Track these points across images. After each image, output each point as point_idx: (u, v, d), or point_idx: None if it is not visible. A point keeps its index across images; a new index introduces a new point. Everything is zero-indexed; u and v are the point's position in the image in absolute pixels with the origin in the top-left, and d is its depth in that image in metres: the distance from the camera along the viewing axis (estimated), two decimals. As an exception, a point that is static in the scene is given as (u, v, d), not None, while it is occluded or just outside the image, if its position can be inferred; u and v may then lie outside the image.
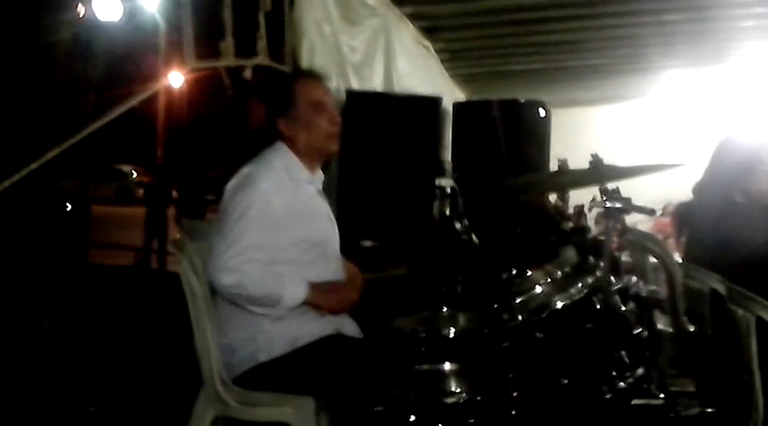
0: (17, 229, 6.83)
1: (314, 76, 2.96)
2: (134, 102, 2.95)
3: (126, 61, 15.10)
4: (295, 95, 2.82)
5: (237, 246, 2.54)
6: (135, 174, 27.04)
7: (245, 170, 2.74)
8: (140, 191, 21.50)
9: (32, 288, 5.95)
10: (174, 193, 13.62)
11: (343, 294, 2.81)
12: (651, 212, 2.65)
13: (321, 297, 2.71)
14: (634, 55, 7.57)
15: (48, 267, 6.90)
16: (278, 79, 3.63)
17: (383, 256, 4.04)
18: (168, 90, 24.08)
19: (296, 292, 2.63)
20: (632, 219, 3.31)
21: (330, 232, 2.92)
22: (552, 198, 5.05)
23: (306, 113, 2.80)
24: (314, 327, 2.70)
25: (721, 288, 2.74)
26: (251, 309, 2.63)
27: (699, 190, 3.76)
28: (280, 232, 2.64)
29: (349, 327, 2.84)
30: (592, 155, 2.72)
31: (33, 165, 2.37)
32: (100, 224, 13.15)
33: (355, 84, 4.98)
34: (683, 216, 3.91)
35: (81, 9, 8.39)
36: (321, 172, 2.97)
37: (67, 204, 10.39)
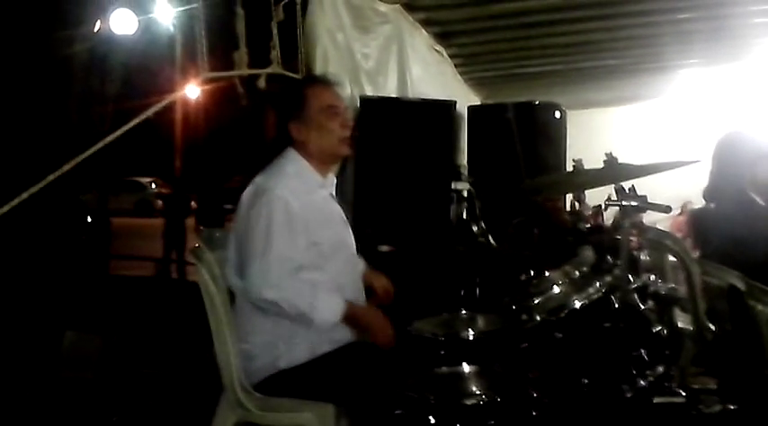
0: (39, 242, 6.90)
1: (325, 82, 2.98)
2: (148, 113, 2.98)
3: (142, 74, 15.21)
4: (306, 100, 2.84)
5: (272, 259, 2.55)
6: (154, 186, 27.19)
7: (259, 179, 2.77)
8: (159, 203, 21.64)
9: (55, 299, 6.00)
10: (193, 204, 13.72)
11: (380, 322, 2.74)
12: (666, 209, 2.64)
13: (356, 319, 2.71)
14: (649, 54, 7.52)
15: (70, 278, 6.96)
16: (289, 85, 3.66)
17: (401, 261, 4.05)
18: (185, 102, 24.27)
19: (331, 308, 2.63)
20: (651, 218, 3.30)
21: (345, 235, 2.94)
22: (569, 199, 5.03)
23: (317, 117, 2.82)
24: (334, 334, 2.71)
25: (740, 284, 2.73)
26: (287, 318, 2.63)
27: (710, 192, 3.75)
28: (301, 235, 2.66)
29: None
30: (606, 154, 2.72)
31: (50, 177, 2.39)
32: (120, 235, 13.25)
33: (369, 91, 5.00)
34: (699, 220, 3.88)
35: (97, 23, 8.48)
36: (332, 176, 3.00)
37: (88, 217, 10.49)
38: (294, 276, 2.59)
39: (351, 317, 2.68)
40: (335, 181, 3.05)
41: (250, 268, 2.58)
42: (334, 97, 2.91)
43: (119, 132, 2.69)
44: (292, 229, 2.63)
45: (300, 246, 2.65)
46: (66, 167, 2.42)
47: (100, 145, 2.59)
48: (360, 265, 3.01)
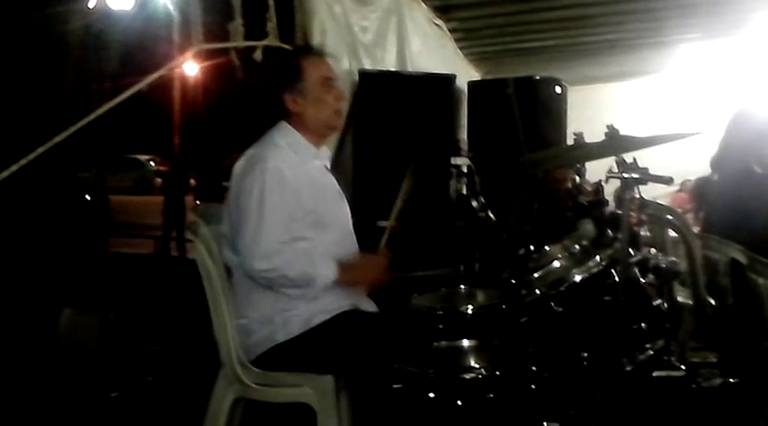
0: (37, 220, 6.88)
1: (319, 53, 2.96)
2: (140, 86, 2.95)
3: (139, 51, 15.12)
4: (304, 71, 2.80)
5: (264, 229, 2.54)
6: (152, 164, 27.16)
7: (251, 152, 2.74)
8: (158, 180, 21.66)
9: (53, 276, 6.00)
10: (192, 181, 13.71)
11: (372, 263, 2.81)
12: (668, 180, 2.62)
13: (352, 273, 2.72)
14: (649, 29, 7.45)
15: (68, 256, 6.96)
16: (283, 56, 3.63)
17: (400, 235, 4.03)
18: (183, 79, 24.18)
19: (327, 272, 2.63)
20: (652, 194, 3.28)
21: (340, 206, 2.91)
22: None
23: (315, 89, 2.80)
24: (330, 304, 2.69)
25: (742, 258, 2.72)
26: (285, 292, 2.62)
27: (716, 163, 3.75)
28: (294, 205, 2.64)
29: (365, 305, 2.84)
30: (608, 127, 2.69)
31: (40, 149, 2.37)
32: (119, 213, 13.25)
33: (367, 65, 4.94)
34: (702, 190, 3.89)
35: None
36: (326, 148, 2.98)
37: (87, 195, 10.48)
38: (287, 246, 2.58)
39: (346, 272, 2.68)
40: (330, 154, 3.02)
41: (242, 240, 2.56)
42: (329, 69, 2.89)
43: (108, 105, 2.66)
44: (285, 200, 2.61)
45: (294, 217, 2.63)
46: (57, 139, 2.38)
47: (92, 117, 2.56)
48: (354, 241, 2.97)
